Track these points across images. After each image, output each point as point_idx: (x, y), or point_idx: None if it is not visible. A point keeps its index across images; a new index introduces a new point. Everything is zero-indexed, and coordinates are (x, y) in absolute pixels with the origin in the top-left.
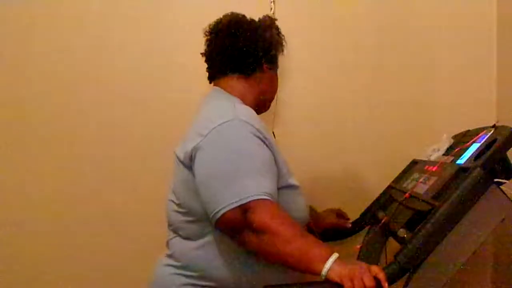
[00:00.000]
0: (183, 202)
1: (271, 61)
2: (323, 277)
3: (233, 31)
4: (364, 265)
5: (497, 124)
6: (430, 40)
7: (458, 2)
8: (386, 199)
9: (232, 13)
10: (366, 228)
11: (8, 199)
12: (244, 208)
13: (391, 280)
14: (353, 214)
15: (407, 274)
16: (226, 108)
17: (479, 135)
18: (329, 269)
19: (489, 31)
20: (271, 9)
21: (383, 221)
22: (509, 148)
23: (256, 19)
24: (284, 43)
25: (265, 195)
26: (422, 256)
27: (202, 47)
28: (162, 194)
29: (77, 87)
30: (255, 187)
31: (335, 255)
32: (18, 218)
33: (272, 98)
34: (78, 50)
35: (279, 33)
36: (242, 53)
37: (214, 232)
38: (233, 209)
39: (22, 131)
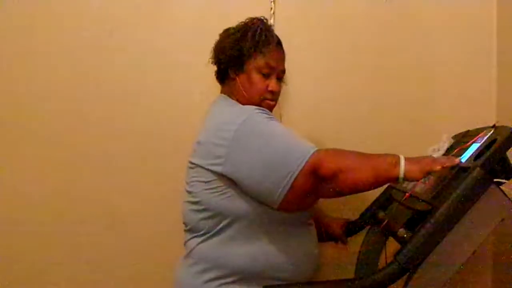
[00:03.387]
0: (202, 199)
1: (234, 67)
2: (401, 180)
3: (214, 47)
4: (430, 157)
5: (497, 124)
6: (430, 40)
7: (458, 2)
8: (386, 199)
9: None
10: (366, 228)
11: (8, 199)
12: (309, 168)
13: (391, 280)
14: (353, 214)
15: (407, 274)
16: (237, 109)
17: (479, 135)
18: (405, 172)
19: (489, 31)
20: (271, 9)
21: (384, 223)
22: (509, 148)
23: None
24: (252, 45)
25: (314, 148)
26: (422, 256)
27: (202, 47)
28: (162, 193)
29: (77, 87)
30: (302, 148)
31: (401, 159)
32: (18, 218)
33: (254, 102)
34: (78, 50)
35: (243, 37)
36: (218, 65)
37: (231, 226)
38: (299, 173)
39: (22, 131)
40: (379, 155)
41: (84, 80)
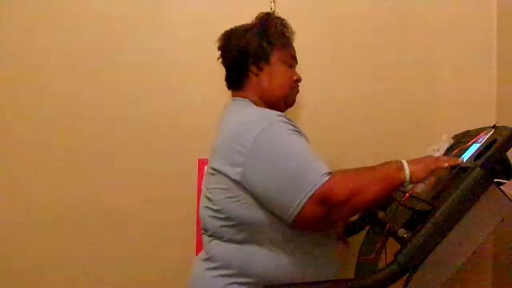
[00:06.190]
0: (223, 208)
1: (258, 61)
2: (407, 183)
3: (223, 48)
4: (430, 156)
5: (497, 125)
6: (430, 40)
7: (458, 2)
8: (386, 199)
9: (229, 29)
10: (366, 228)
11: (8, 199)
12: (318, 196)
13: (391, 280)
14: None
15: (407, 274)
16: (257, 114)
17: (479, 135)
18: (410, 175)
19: (489, 31)
20: (271, 8)
21: (387, 227)
22: (509, 148)
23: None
24: (276, 37)
25: (327, 175)
26: (422, 256)
27: (202, 47)
28: (163, 194)
29: (77, 87)
30: (317, 173)
31: (404, 162)
32: (18, 218)
33: (283, 94)
34: (78, 50)
35: (265, 30)
36: (229, 67)
37: (254, 235)
38: (308, 201)
39: (22, 131)
40: (382, 165)
41: (84, 80)
